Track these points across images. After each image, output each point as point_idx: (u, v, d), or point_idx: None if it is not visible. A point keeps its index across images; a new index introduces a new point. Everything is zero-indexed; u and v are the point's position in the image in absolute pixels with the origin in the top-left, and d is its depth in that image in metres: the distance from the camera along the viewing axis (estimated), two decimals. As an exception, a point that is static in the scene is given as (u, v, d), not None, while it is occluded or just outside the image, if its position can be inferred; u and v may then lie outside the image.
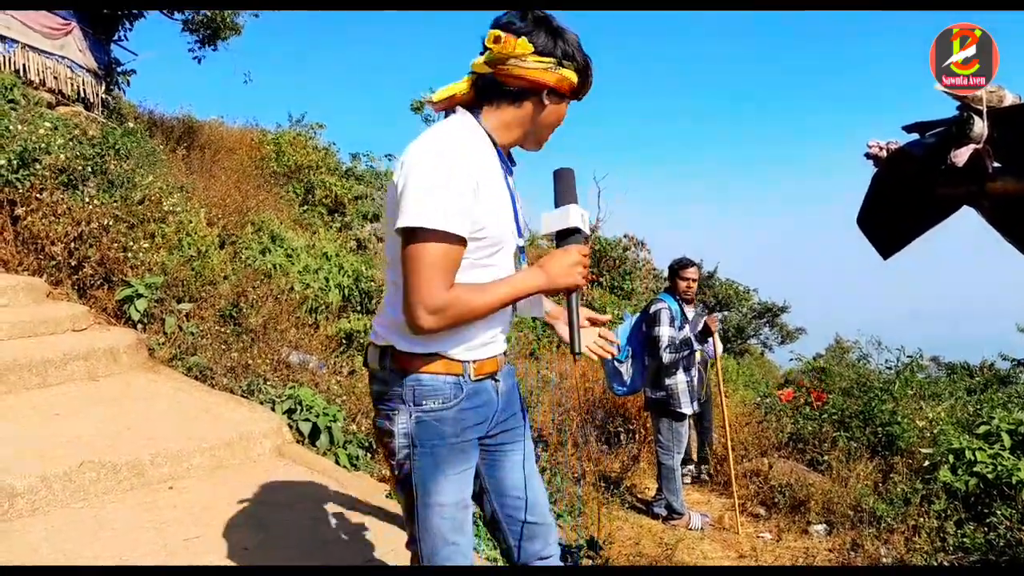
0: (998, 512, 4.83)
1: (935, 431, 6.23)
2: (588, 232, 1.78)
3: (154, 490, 3.32)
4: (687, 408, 5.26)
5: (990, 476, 5.07)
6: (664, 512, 5.35)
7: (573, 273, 1.70)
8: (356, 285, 7.42)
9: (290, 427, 4.15)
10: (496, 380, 1.82)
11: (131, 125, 6.84)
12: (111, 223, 5.54)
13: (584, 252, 1.73)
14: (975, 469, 5.16)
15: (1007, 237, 2.00)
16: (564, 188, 1.78)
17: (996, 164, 1.59)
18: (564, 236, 1.75)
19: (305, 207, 10.80)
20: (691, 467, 6.61)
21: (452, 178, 1.56)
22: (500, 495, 1.90)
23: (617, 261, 14.82)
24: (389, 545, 3.01)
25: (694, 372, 5.31)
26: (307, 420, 4.20)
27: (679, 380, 5.23)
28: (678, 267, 5.45)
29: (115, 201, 5.77)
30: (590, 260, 1.77)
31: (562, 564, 1.99)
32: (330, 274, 7.29)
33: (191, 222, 6.25)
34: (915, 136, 1.88)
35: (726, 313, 19.35)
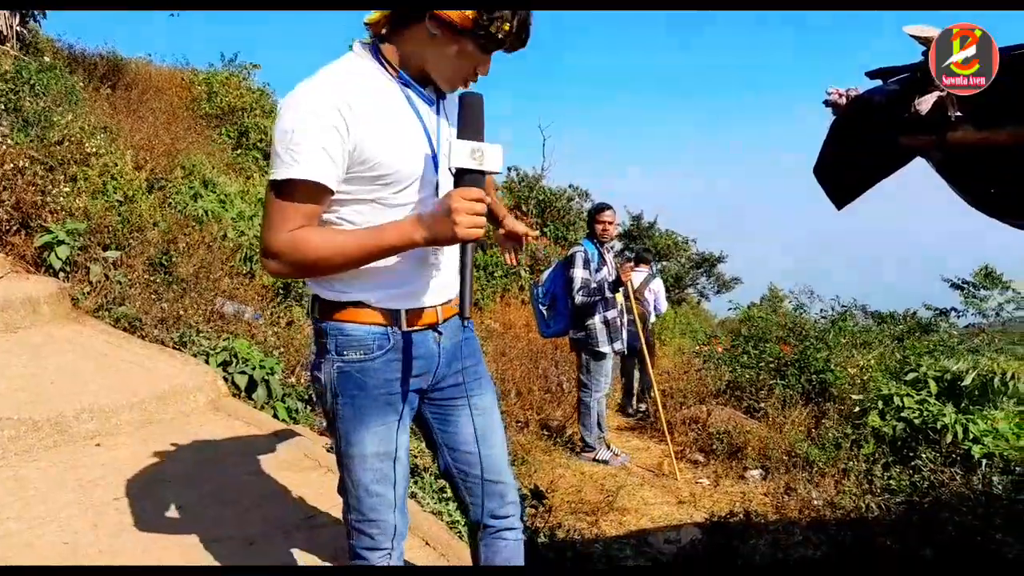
0: (923, 455, 5.04)
1: (865, 378, 6.45)
2: (492, 169, 1.52)
3: (80, 447, 3.17)
4: (605, 347, 5.37)
5: (916, 421, 5.27)
6: (604, 456, 5.47)
7: (449, 224, 1.46)
8: (294, 233, 7.20)
9: (225, 380, 4.01)
10: (438, 332, 1.74)
11: (48, 60, 6.38)
12: (27, 164, 5.19)
13: (470, 196, 1.46)
14: (903, 415, 5.36)
15: (955, 188, 1.99)
16: (464, 119, 1.55)
17: (958, 113, 1.55)
18: (459, 176, 1.51)
19: (239, 151, 10.38)
20: (641, 405, 6.90)
21: (305, 120, 1.48)
22: (451, 449, 1.85)
23: (561, 211, 14.77)
24: (331, 499, 2.94)
25: (613, 313, 5.38)
26: (243, 373, 4.06)
27: (596, 321, 5.34)
28: (595, 211, 5.58)
29: (31, 141, 5.40)
30: (483, 207, 1.48)
31: (520, 526, 1.93)
32: (266, 221, 7.03)
33: (116, 165, 5.92)
34: (878, 83, 1.83)
35: (664, 263, 19.60)
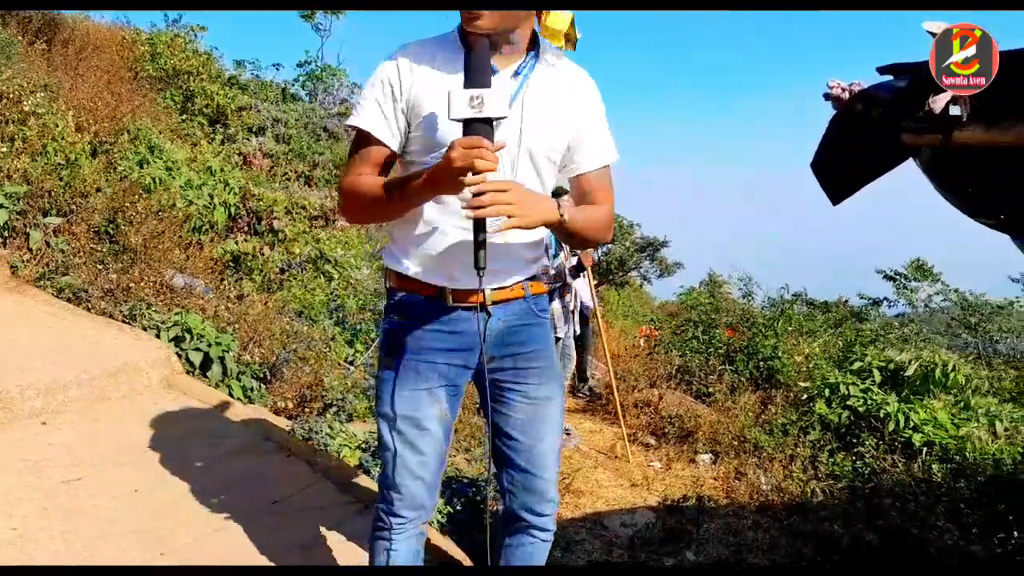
0: (866, 442, 5.21)
1: (811, 366, 6.63)
2: (498, 115, 1.44)
3: (24, 426, 3.01)
4: (560, 332, 5.43)
5: (861, 409, 5.44)
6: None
7: (448, 177, 1.44)
8: (244, 204, 6.98)
9: (179, 356, 3.87)
10: (487, 313, 1.71)
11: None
12: (-40, 122, 4.89)
13: (467, 144, 1.40)
14: (848, 403, 5.53)
15: (940, 188, 2.02)
16: (467, 66, 1.50)
17: (968, 113, 1.57)
18: (465, 127, 1.45)
19: (184, 116, 9.99)
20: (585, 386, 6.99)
21: (372, 78, 1.67)
22: (499, 432, 1.85)
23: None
24: (296, 484, 2.87)
25: (568, 298, 5.46)
26: (197, 349, 3.92)
27: (555, 307, 5.38)
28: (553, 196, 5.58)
29: (-36, 97, 5.08)
30: (484, 153, 1.40)
31: (552, 528, 1.92)
32: (215, 191, 6.80)
33: (57, 126, 5.61)
34: (885, 78, 1.83)
35: (609, 246, 19.76)
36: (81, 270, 4.51)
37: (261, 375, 4.31)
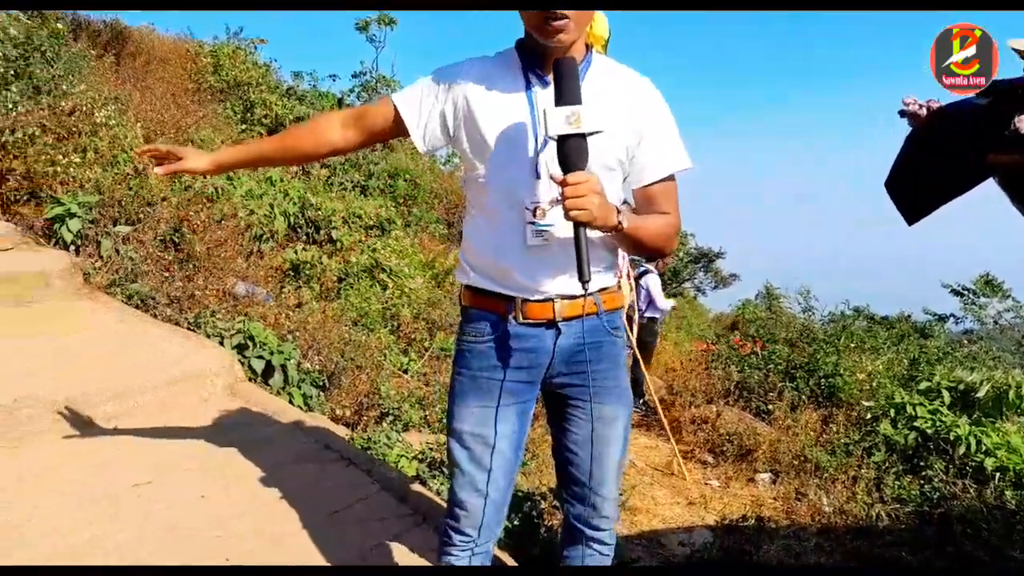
0: (934, 466, 5.02)
1: (873, 384, 6.44)
2: (595, 129, 1.47)
3: (98, 430, 3.08)
4: None
5: (929, 431, 5.25)
6: None
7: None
8: (302, 213, 7.09)
9: (241, 363, 3.93)
10: (557, 329, 1.70)
11: (60, 26, 6.23)
12: (37, 133, 5.07)
13: (575, 181, 1.46)
14: (915, 424, 5.34)
15: (1018, 203, 1.94)
16: (558, 86, 1.50)
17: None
18: (560, 144, 1.49)
19: (244, 127, 10.22)
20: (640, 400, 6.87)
21: (423, 79, 1.72)
22: (560, 447, 1.86)
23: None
24: (349, 493, 2.88)
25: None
26: (260, 357, 3.98)
27: None
28: None
29: (42, 109, 5.27)
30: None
31: (612, 542, 1.91)
32: (275, 200, 6.93)
33: (126, 137, 5.79)
34: (964, 96, 1.76)
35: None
36: (148, 277, 4.63)
37: (320, 383, 4.35)
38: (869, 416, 5.72)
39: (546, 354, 1.73)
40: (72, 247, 4.69)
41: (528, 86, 1.64)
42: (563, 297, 1.69)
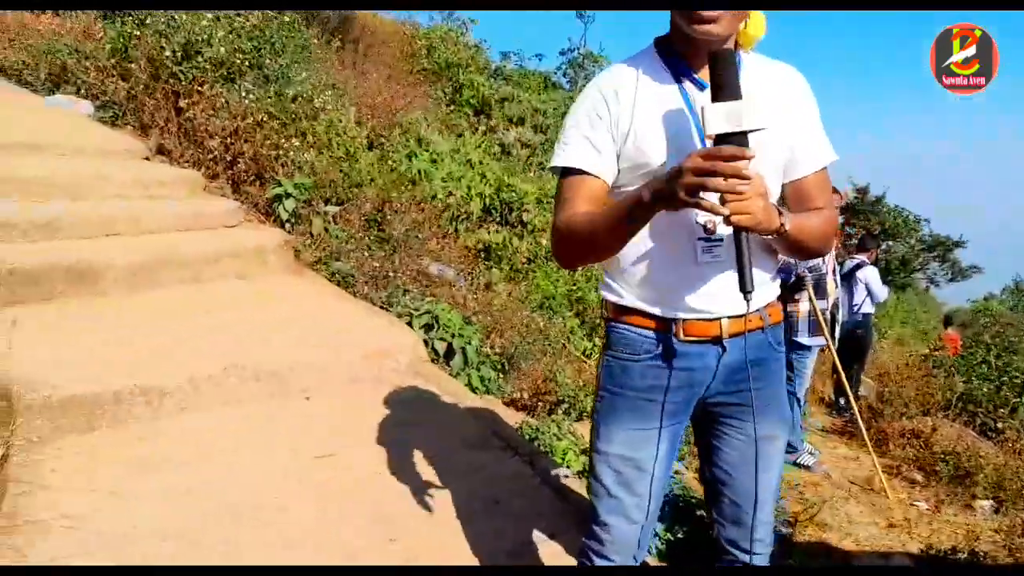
0: None
1: None
2: (757, 126, 1.34)
3: (292, 399, 3.37)
4: (804, 338, 5.01)
5: None
6: (806, 461, 5.10)
7: (671, 182, 1.31)
8: (497, 195, 7.26)
9: (425, 344, 4.11)
10: (722, 347, 1.61)
11: (288, 18, 6.81)
12: (265, 119, 5.58)
13: (709, 154, 1.28)
14: None
15: None
16: (715, 79, 1.38)
17: None
18: (719, 143, 1.35)
19: (452, 107, 10.64)
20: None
21: (576, 111, 1.61)
22: (712, 464, 1.76)
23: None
24: (511, 483, 2.93)
25: (823, 304, 5.00)
26: (442, 339, 4.14)
27: (800, 309, 4.98)
28: None
29: (269, 97, 5.79)
30: (729, 168, 1.26)
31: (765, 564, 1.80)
32: (472, 182, 7.14)
33: (341, 121, 6.22)
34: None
35: (889, 244, 17.90)
36: (351, 256, 4.96)
37: (499, 365, 4.45)
38: None
39: (708, 372, 1.63)
40: (288, 224, 5.14)
41: (681, 87, 1.54)
42: (730, 317, 1.59)
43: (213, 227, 4.75)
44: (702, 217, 1.52)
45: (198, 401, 3.12)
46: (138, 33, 5.89)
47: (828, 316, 5.02)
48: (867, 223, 17.30)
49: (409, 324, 4.25)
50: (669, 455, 1.71)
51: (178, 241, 4.37)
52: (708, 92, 1.40)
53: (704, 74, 1.48)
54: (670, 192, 1.31)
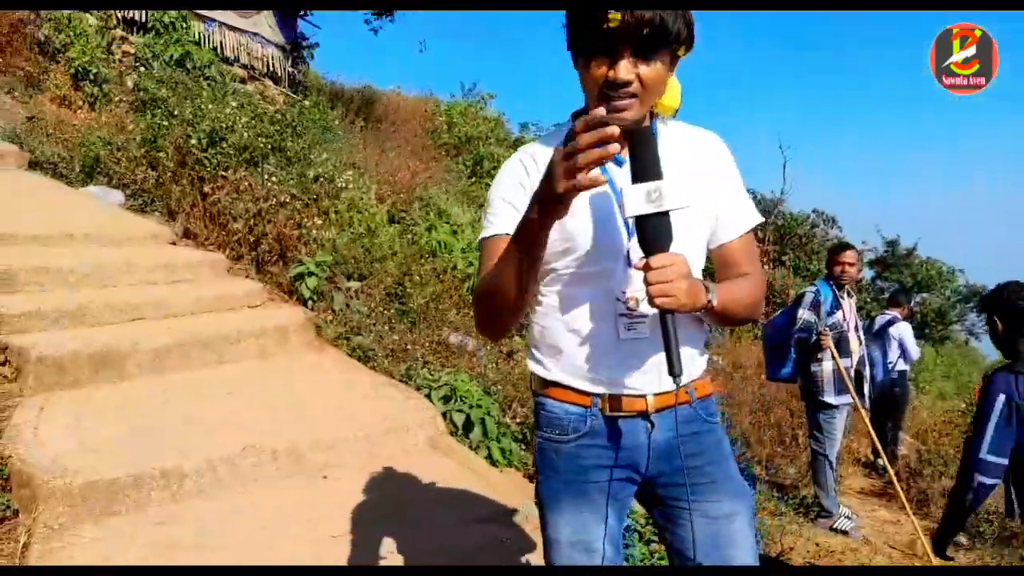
0: None
1: None
2: (680, 205, 1.31)
3: (310, 478, 3.37)
4: (830, 397, 4.93)
5: None
6: (844, 526, 4.94)
7: (546, 181, 1.25)
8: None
9: (444, 416, 4.11)
10: (649, 423, 1.56)
11: (307, 104, 7.09)
12: (287, 200, 5.76)
13: (577, 131, 1.21)
14: None
15: None
16: (634, 159, 1.36)
17: None
18: (640, 224, 1.34)
19: (472, 179, 10.86)
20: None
21: (498, 185, 1.61)
22: (679, 557, 1.62)
23: (803, 239, 13.79)
24: (527, 558, 2.87)
25: (847, 362, 4.93)
26: (461, 411, 4.14)
27: (824, 368, 4.92)
28: (834, 251, 5.27)
29: (291, 178, 5.98)
30: (587, 147, 1.19)
31: None
32: (492, 251, 7.22)
33: (362, 199, 6.39)
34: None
35: (924, 296, 17.59)
36: (371, 330, 5.02)
37: (520, 437, 4.42)
38: None
39: (641, 451, 1.58)
40: (310, 302, 5.24)
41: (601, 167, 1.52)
42: (656, 393, 1.55)
43: (236, 308, 4.85)
44: (621, 292, 1.50)
45: (216, 483, 3.14)
46: (166, 123, 6.16)
47: (852, 373, 4.94)
48: (899, 275, 17.09)
49: (428, 396, 4.26)
50: (617, 533, 1.64)
51: (201, 323, 4.47)
52: (628, 169, 1.38)
53: (624, 152, 1.43)
54: (551, 188, 1.25)
